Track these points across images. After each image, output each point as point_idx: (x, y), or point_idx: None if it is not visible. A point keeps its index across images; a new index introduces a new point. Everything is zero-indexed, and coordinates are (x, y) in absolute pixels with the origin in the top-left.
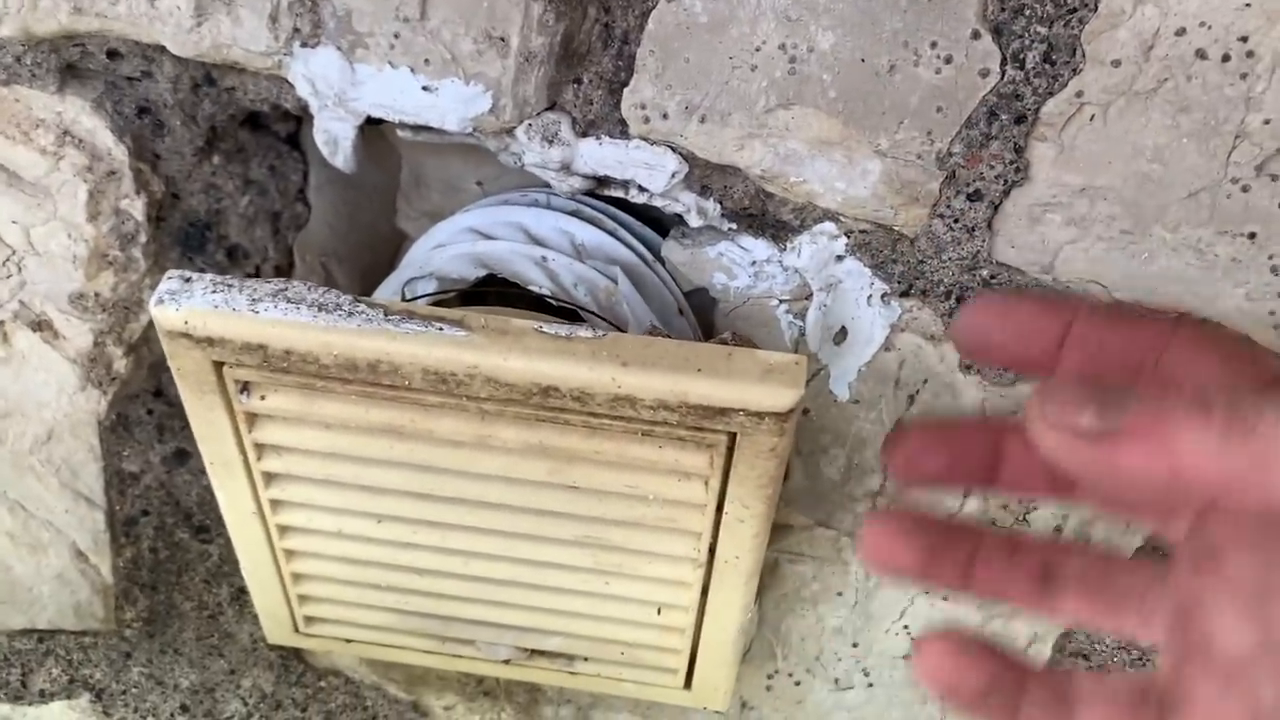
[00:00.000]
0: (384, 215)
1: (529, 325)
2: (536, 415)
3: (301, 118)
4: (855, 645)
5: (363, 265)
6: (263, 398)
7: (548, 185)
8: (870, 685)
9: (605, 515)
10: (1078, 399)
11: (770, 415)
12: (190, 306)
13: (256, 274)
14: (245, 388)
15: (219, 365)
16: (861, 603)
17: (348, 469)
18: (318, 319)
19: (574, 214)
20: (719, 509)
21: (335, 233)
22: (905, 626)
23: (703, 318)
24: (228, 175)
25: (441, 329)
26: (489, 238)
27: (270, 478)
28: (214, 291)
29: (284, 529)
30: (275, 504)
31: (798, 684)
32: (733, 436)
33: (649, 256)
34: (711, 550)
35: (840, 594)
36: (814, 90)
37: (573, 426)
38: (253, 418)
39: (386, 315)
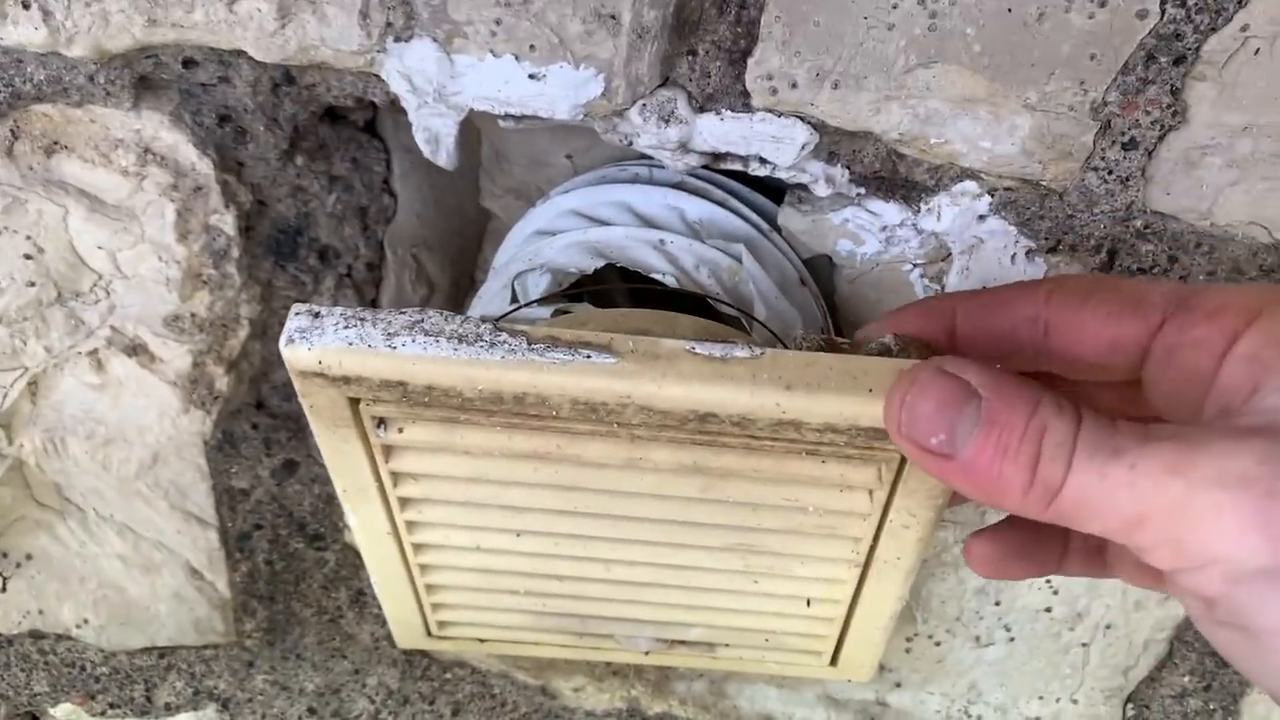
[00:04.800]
0: (468, 196)
1: (680, 347)
2: (692, 439)
3: (377, 105)
4: (998, 603)
5: (451, 251)
6: (400, 430)
7: (645, 156)
8: (1011, 640)
9: (759, 525)
10: (933, 421)
11: None
12: (323, 345)
13: (349, 274)
14: (382, 423)
15: (354, 401)
16: None
17: (488, 491)
18: (459, 352)
19: (678, 186)
20: (883, 516)
21: (423, 221)
22: (1048, 580)
23: (821, 285)
24: (312, 175)
25: (589, 356)
26: (596, 221)
27: (406, 502)
28: (346, 327)
29: (419, 546)
30: (411, 525)
31: (937, 644)
32: None
33: (765, 227)
34: (870, 550)
35: None
36: (957, 46)
37: (730, 448)
38: (389, 449)
39: (530, 344)
